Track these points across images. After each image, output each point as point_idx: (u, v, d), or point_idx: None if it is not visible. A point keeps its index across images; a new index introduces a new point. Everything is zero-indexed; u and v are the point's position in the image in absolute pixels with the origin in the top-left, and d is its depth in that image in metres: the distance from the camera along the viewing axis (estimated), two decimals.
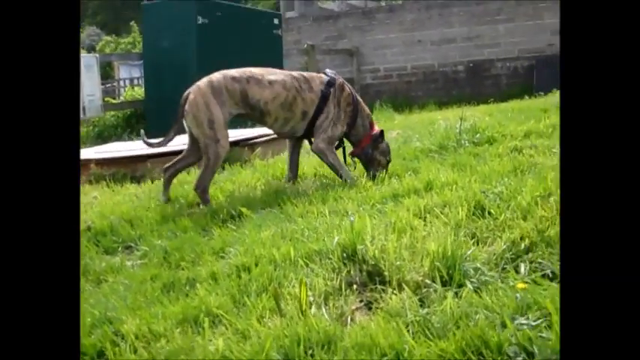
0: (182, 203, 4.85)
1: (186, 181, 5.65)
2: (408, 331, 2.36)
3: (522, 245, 2.99)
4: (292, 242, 3.35)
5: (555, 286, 2.57)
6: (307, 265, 3.04)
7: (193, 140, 4.91)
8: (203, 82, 4.79)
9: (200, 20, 10.95)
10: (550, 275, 2.76)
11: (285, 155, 5.59)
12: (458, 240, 3.04)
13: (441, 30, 14.91)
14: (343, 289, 2.76)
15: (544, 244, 3.00)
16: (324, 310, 2.61)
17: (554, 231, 3.11)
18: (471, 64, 15.05)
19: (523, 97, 11.97)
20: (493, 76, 14.97)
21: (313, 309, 2.62)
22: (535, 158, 5.04)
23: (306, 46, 12.91)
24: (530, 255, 2.94)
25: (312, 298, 2.69)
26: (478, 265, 2.86)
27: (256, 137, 7.06)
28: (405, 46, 14.99)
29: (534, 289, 2.56)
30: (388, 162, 5.22)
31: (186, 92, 4.80)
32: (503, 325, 2.30)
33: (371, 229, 3.15)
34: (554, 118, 6.95)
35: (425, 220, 3.45)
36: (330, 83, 5.09)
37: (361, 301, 2.73)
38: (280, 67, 13.09)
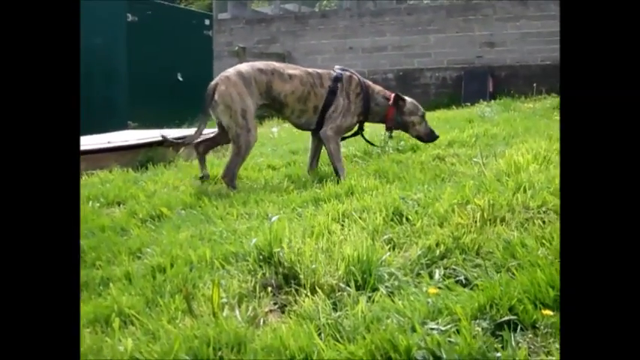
0: (102, 202, 4.77)
1: (109, 179, 5.57)
2: (319, 334, 2.36)
3: (437, 252, 3.03)
4: (210, 244, 3.33)
5: (467, 292, 2.61)
6: (223, 266, 3.02)
7: (223, 129, 5.06)
8: (232, 72, 4.97)
9: (130, 18, 10.82)
10: (463, 282, 2.80)
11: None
12: (374, 245, 3.06)
13: (372, 38, 15.03)
14: (257, 292, 2.74)
15: (459, 251, 3.04)
16: (236, 311, 2.59)
17: (469, 238, 3.16)
18: (401, 73, 15.20)
19: (451, 106, 12.14)
20: (422, 85, 15.15)
21: (226, 311, 2.60)
22: (456, 167, 5.12)
23: (237, 48, 12.84)
24: (444, 261, 2.98)
25: (225, 300, 2.67)
26: (393, 270, 2.88)
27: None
28: (337, 53, 15.07)
29: (447, 295, 2.60)
30: (423, 115, 5.54)
31: (214, 83, 4.95)
32: (413, 330, 2.32)
33: (289, 233, 3.15)
34: (478, 128, 7.08)
35: (343, 225, 3.46)
36: (337, 79, 5.31)
37: (275, 303, 2.72)
38: (210, 68, 13.03)
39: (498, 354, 2.18)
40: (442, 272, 2.87)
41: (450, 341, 2.26)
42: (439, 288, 2.70)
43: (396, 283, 2.77)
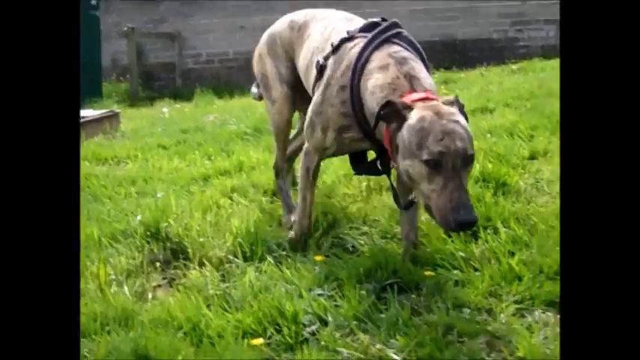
0: None
1: None
2: (208, 305, 2.38)
3: (325, 222, 3.08)
4: (98, 223, 3.29)
5: (354, 258, 2.68)
6: (111, 245, 3.00)
7: None
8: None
9: None
10: (350, 249, 2.87)
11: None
12: (262, 217, 3.10)
13: (263, 17, 14.99)
14: (145, 267, 2.74)
15: (346, 220, 3.11)
16: (124, 287, 2.58)
17: (355, 207, 3.23)
18: None
19: None
20: None
21: (114, 287, 2.59)
22: None
23: (125, 29, 12.58)
24: (333, 231, 3.04)
25: (113, 277, 2.66)
26: (281, 241, 2.93)
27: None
28: (228, 32, 14.95)
29: (333, 262, 2.66)
30: None
31: None
32: (300, 296, 2.38)
33: (176, 208, 3.15)
34: None
35: (232, 199, 3.48)
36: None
37: (164, 278, 2.73)
38: (98, 49, 12.72)
39: (382, 315, 2.26)
40: (330, 241, 2.93)
41: (335, 305, 2.32)
42: (326, 256, 2.76)
43: (284, 252, 2.81)
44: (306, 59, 3.07)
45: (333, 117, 2.73)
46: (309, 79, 3.01)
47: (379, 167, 2.75)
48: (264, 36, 3.47)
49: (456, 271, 2.58)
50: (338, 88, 2.72)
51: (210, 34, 15.27)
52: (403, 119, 2.40)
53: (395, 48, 2.69)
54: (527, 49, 11.64)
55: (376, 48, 2.67)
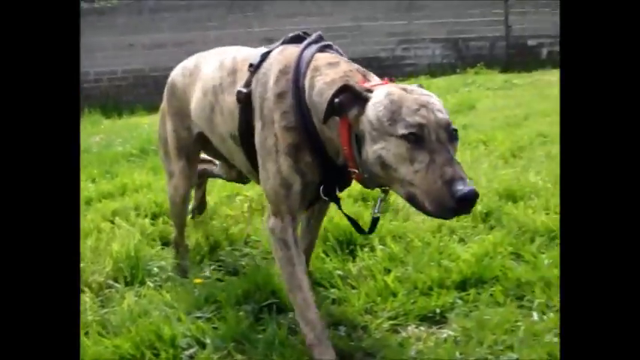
0: None
1: None
2: (86, 332, 2.37)
3: (207, 245, 3.10)
4: None
5: (234, 280, 2.72)
6: None
7: None
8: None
9: None
10: (232, 271, 2.90)
11: None
12: (143, 240, 3.09)
13: (151, 35, 14.86)
14: None
15: (227, 242, 3.14)
16: None
17: (237, 228, 3.26)
18: None
19: None
20: None
21: None
22: None
23: None
24: (215, 253, 3.07)
25: None
26: (163, 263, 2.93)
27: None
28: (116, 50, 14.75)
29: (214, 284, 2.69)
30: None
31: None
32: (179, 320, 2.39)
33: None
34: None
35: (113, 223, 3.45)
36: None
37: None
38: None
39: (260, 335, 2.30)
40: (212, 264, 2.95)
41: (214, 327, 2.36)
42: (207, 278, 2.78)
43: (165, 276, 2.82)
44: (202, 101, 2.59)
45: (277, 135, 2.18)
46: (213, 120, 2.54)
47: (321, 193, 2.21)
48: (165, 90, 2.95)
49: (333, 290, 2.64)
50: (274, 98, 2.20)
51: (98, 52, 15.01)
52: (365, 101, 1.99)
53: (336, 54, 2.32)
54: (414, 67, 12.00)
55: (317, 51, 2.27)
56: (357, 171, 2.07)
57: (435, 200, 1.82)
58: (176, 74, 2.87)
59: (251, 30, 14.84)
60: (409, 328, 2.38)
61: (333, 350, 2.11)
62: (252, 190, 3.56)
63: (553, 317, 2.34)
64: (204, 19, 15.13)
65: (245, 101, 2.31)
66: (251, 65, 2.34)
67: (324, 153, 2.16)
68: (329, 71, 2.15)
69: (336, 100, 2.00)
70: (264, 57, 2.35)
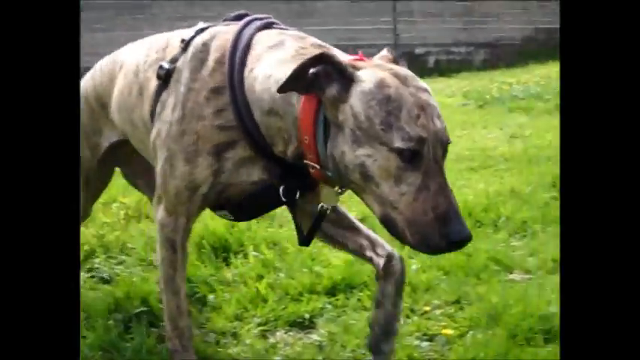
0: None
1: None
2: None
3: (81, 253, 3.07)
4: None
5: (107, 288, 2.71)
6: None
7: None
8: None
9: None
10: (107, 278, 2.88)
11: None
12: None
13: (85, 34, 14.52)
14: None
15: (102, 250, 3.12)
16: None
17: (113, 236, 3.25)
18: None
19: None
20: None
21: None
22: None
23: None
24: (90, 261, 3.05)
25: None
26: None
27: None
28: None
29: (84, 294, 2.67)
30: None
31: None
32: None
33: None
34: None
35: None
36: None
37: None
38: None
39: (128, 344, 2.31)
40: (86, 273, 2.93)
41: (83, 337, 2.34)
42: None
43: None
44: (123, 88, 2.20)
45: (204, 134, 1.86)
46: (128, 104, 2.17)
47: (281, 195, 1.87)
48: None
49: (212, 295, 2.67)
50: (207, 94, 1.86)
51: None
52: (350, 81, 1.63)
53: (281, 30, 1.96)
54: None
55: (256, 32, 1.91)
56: (317, 166, 1.73)
57: (420, 233, 1.58)
58: (86, 80, 2.47)
59: (141, 32, 14.65)
60: (278, 333, 2.44)
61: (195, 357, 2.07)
62: (128, 198, 3.54)
63: (417, 320, 2.46)
64: (91, 21, 14.86)
65: (165, 79, 1.97)
66: (182, 40, 1.98)
67: (268, 148, 1.84)
68: (273, 54, 1.82)
69: (312, 70, 1.63)
70: (199, 33, 1.99)
